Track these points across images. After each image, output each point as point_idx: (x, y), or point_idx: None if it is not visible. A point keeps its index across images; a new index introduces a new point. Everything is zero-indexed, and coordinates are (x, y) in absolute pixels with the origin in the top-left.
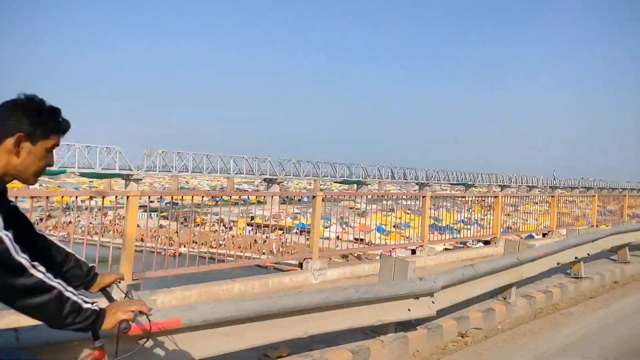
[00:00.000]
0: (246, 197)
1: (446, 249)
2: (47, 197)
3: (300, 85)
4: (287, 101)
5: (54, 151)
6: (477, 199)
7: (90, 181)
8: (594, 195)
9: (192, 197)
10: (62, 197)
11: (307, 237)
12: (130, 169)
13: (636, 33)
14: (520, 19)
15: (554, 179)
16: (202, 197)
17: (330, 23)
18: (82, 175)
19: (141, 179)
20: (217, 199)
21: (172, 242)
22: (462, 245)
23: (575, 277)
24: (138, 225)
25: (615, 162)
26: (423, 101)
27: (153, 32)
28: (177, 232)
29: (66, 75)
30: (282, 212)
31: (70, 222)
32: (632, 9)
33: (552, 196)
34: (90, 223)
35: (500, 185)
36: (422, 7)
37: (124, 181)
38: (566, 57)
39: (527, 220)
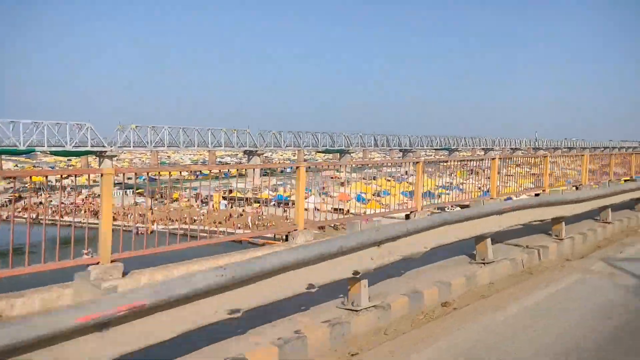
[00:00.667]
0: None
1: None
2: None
3: (280, 55)
4: (267, 72)
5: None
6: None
7: (68, 159)
8: (582, 155)
9: (180, 172)
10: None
11: (285, 209)
12: (103, 146)
13: None
14: None
15: (536, 140)
16: (194, 171)
17: None
18: (53, 153)
19: (115, 156)
20: (198, 173)
21: (145, 219)
22: (439, 211)
23: (352, 309)
24: (113, 204)
25: (599, 121)
26: (405, 66)
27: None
28: (151, 208)
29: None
30: (264, 183)
31: (41, 203)
32: None
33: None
34: (62, 203)
35: (483, 149)
36: None
37: (98, 158)
38: (549, 22)
39: (507, 183)
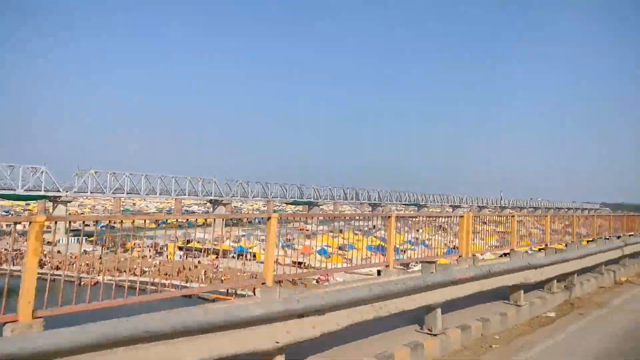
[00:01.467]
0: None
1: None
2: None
3: (249, 106)
4: (236, 122)
5: None
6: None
7: (26, 204)
8: (546, 216)
9: (145, 220)
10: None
11: (245, 261)
12: (58, 190)
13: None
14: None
15: (501, 199)
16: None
17: (279, 44)
18: (2, 197)
19: (70, 201)
20: (160, 221)
21: (92, 269)
22: (402, 268)
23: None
24: (59, 252)
25: (562, 183)
26: (376, 123)
27: (82, 46)
28: (100, 258)
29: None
30: (227, 233)
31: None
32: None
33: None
34: (5, 249)
35: (451, 206)
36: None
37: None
38: (515, 80)
39: (473, 240)
